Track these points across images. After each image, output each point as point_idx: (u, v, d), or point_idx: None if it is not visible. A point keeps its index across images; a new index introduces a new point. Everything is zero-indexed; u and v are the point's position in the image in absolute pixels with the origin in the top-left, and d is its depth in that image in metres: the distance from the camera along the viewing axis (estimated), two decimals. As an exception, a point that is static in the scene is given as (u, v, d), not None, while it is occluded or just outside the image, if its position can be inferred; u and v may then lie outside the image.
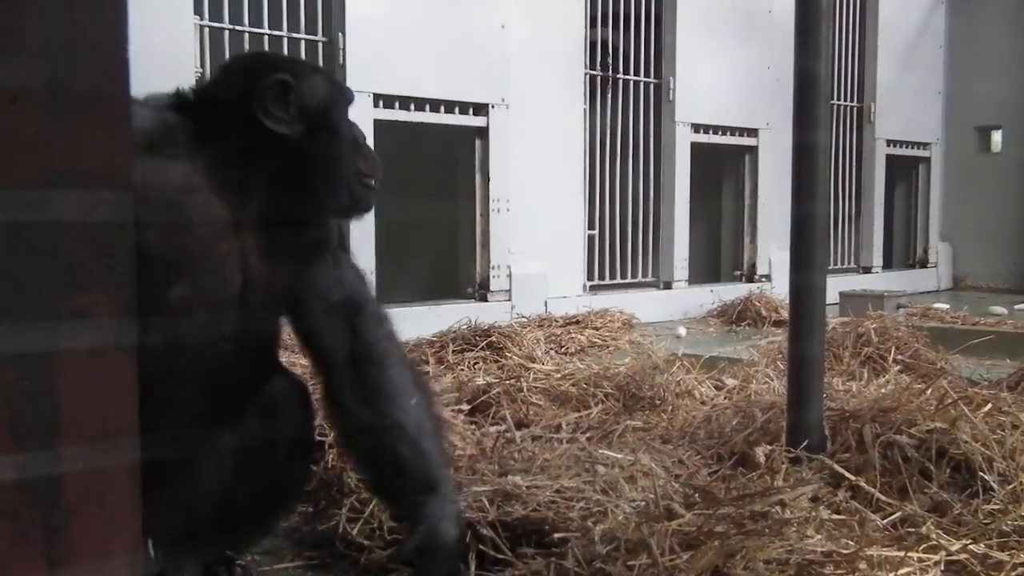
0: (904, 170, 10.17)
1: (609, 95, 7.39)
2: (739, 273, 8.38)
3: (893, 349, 4.36)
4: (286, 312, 2.03)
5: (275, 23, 5.51)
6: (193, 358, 1.86)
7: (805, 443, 2.68)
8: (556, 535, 2.15)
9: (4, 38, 0.76)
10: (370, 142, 5.60)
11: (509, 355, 4.60)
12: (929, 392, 2.94)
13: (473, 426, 3.29)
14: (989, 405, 2.84)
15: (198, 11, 5.18)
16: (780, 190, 7.04)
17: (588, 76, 7.19)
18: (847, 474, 2.50)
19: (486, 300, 6.42)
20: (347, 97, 2.00)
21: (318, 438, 2.44)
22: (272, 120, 1.83)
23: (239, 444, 1.99)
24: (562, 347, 5.38)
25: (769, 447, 2.74)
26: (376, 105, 5.74)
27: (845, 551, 1.93)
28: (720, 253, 8.63)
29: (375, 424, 1.95)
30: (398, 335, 2.10)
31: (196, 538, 2.01)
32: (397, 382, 1.98)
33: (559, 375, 4.08)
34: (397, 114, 5.91)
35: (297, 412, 2.10)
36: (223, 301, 1.83)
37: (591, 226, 7.26)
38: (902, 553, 1.96)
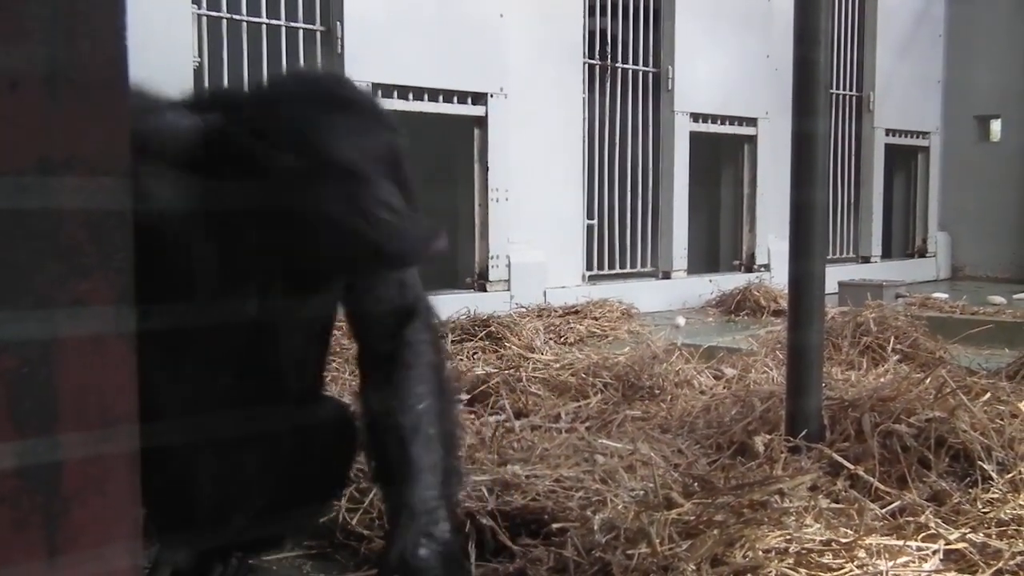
0: (903, 159, 10.15)
1: (608, 84, 7.37)
2: (738, 263, 8.38)
3: (892, 338, 4.35)
4: (342, 304, 2.02)
5: (273, 13, 5.49)
6: (207, 372, 1.85)
7: (804, 432, 2.69)
8: (555, 525, 2.15)
9: (4, 24, 0.76)
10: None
11: (508, 345, 4.60)
12: (928, 381, 2.94)
13: (472, 416, 3.29)
14: (988, 394, 2.85)
15: (196, 0, 5.17)
16: (779, 179, 7.03)
17: (587, 65, 7.18)
18: (846, 463, 2.51)
19: (485, 290, 6.42)
20: None
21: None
22: None
23: (273, 460, 1.98)
24: (561, 337, 5.38)
25: (768, 436, 2.74)
26: (374, 95, 5.72)
27: (844, 540, 1.94)
28: (719, 243, 8.61)
29: (380, 422, 1.94)
30: (441, 341, 2.08)
31: (204, 533, 2.00)
32: (415, 386, 1.94)
33: (558, 365, 4.08)
34: (395, 103, 5.89)
35: (339, 446, 2.10)
36: (232, 319, 1.82)
37: (590, 216, 7.25)
38: (901, 542, 1.96)
